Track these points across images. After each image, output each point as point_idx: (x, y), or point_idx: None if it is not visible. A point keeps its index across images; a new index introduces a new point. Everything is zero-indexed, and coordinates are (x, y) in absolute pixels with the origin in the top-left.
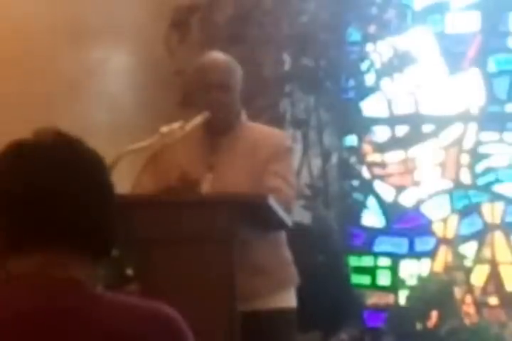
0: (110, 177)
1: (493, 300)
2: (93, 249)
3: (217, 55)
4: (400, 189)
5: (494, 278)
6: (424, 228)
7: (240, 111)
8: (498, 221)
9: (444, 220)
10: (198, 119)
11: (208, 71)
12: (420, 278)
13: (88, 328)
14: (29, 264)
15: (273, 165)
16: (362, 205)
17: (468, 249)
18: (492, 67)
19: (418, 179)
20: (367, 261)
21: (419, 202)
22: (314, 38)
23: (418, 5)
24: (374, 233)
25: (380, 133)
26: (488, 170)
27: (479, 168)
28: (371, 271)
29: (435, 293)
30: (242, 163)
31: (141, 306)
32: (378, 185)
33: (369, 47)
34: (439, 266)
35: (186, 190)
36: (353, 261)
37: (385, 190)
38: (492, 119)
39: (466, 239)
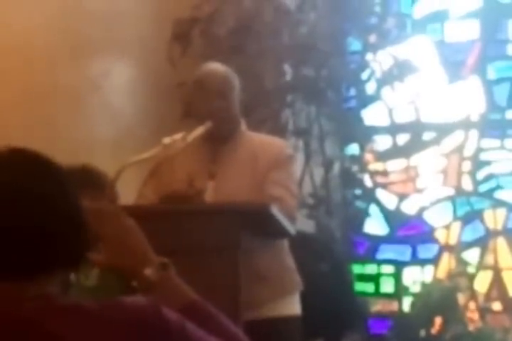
0: (65, 189)
1: (496, 306)
2: (52, 266)
3: (215, 65)
4: (402, 197)
5: (497, 284)
6: (426, 235)
7: (240, 120)
8: (500, 227)
9: (447, 227)
10: (199, 130)
11: (205, 80)
12: (424, 285)
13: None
14: None
15: (274, 173)
16: (364, 213)
17: (471, 256)
18: (492, 74)
19: (420, 186)
20: (370, 268)
21: (422, 210)
22: (314, 48)
23: (417, 14)
24: (377, 241)
25: (382, 142)
26: (489, 177)
27: (481, 174)
28: (375, 279)
29: (439, 300)
30: (243, 172)
31: (107, 317)
32: (380, 193)
33: (369, 56)
34: (442, 272)
35: (190, 198)
36: (357, 268)
37: (387, 198)
38: (493, 126)
39: (468, 245)
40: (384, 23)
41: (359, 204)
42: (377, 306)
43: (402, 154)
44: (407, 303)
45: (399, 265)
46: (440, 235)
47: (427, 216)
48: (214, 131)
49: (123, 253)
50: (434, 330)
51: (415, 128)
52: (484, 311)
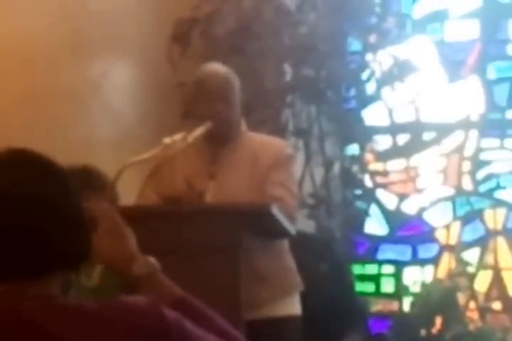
0: (67, 190)
1: (496, 306)
2: (53, 268)
3: (215, 66)
4: (402, 197)
5: (497, 283)
6: (427, 235)
7: (240, 121)
8: (500, 227)
9: (447, 227)
10: (200, 130)
11: (206, 81)
12: (424, 285)
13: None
14: None
15: (274, 173)
16: (365, 213)
17: (471, 255)
18: (492, 74)
19: (420, 186)
20: (371, 268)
21: (422, 210)
22: (314, 48)
23: (417, 14)
24: (377, 241)
25: (382, 142)
26: (489, 177)
27: (481, 174)
28: (375, 279)
29: (439, 300)
30: (243, 173)
31: (107, 318)
32: (381, 193)
33: (369, 56)
34: (442, 272)
35: (191, 200)
36: (357, 269)
37: (387, 198)
38: (492, 126)
39: (468, 245)
40: (384, 23)
41: (359, 204)
42: (378, 306)
43: (402, 154)
44: (407, 303)
45: (399, 265)
46: (440, 235)
47: (427, 216)
48: (214, 132)
49: (111, 250)
50: (434, 330)
51: (415, 128)
52: (484, 311)
